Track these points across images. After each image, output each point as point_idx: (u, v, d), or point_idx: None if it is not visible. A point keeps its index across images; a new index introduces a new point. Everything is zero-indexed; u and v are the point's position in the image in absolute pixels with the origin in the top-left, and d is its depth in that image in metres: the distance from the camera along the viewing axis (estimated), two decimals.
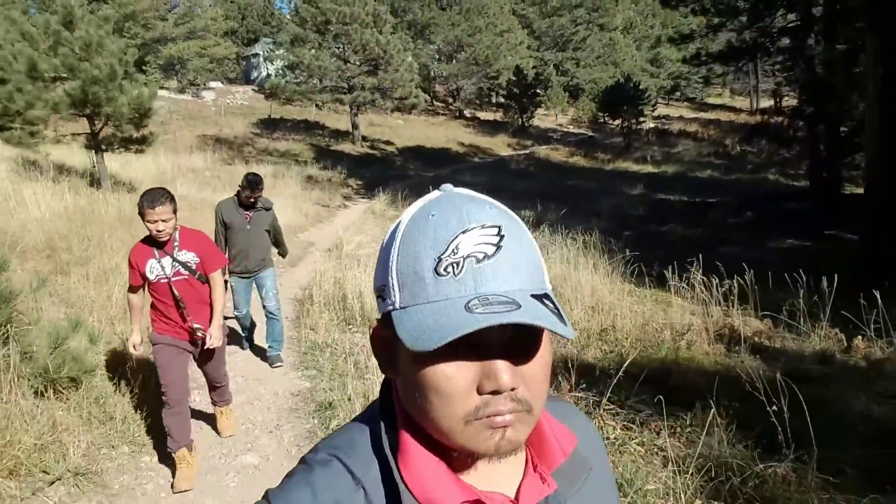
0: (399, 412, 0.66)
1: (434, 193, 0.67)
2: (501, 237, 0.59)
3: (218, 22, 41.72)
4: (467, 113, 45.03)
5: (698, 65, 16.15)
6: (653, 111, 47.36)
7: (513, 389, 0.58)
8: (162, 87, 36.01)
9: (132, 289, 3.55)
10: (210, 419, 4.28)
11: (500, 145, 35.02)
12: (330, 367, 5.21)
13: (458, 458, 0.64)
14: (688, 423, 3.54)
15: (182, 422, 3.45)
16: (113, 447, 3.66)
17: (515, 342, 0.59)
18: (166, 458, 3.61)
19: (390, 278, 0.62)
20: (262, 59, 46.28)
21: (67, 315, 4.67)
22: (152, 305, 3.56)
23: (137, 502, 3.28)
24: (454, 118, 43.13)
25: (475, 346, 0.58)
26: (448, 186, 0.68)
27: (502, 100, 43.41)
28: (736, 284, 6.18)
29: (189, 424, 3.57)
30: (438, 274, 0.58)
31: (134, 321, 3.62)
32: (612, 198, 20.37)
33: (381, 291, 0.64)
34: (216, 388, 3.94)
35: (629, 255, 8.01)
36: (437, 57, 44.51)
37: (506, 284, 0.58)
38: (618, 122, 34.95)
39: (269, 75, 38.64)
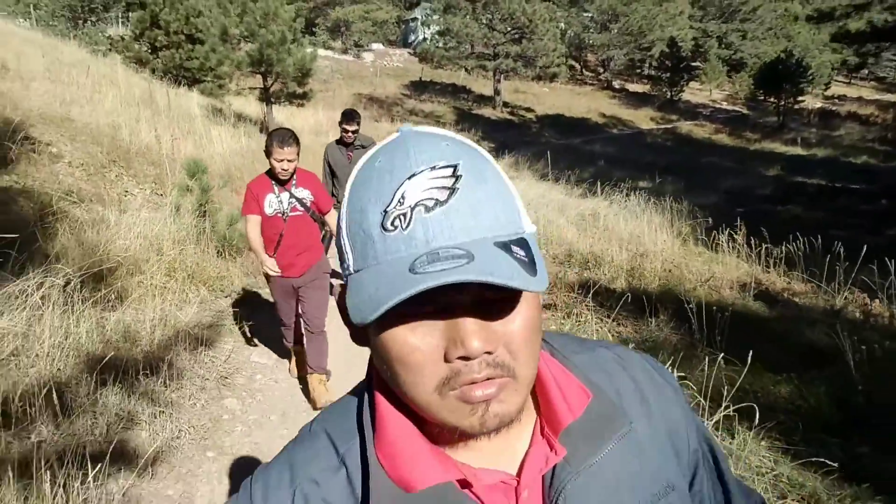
0: (376, 382, 0.60)
1: (389, 137, 0.59)
2: (457, 177, 0.52)
3: None
4: (616, 84, 44.49)
5: (847, 44, 15.44)
6: (824, 90, 43.85)
7: (488, 353, 0.51)
8: (327, 48, 39.67)
9: (249, 222, 3.61)
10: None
11: (643, 118, 34.64)
12: None
13: (447, 436, 0.57)
14: (650, 324, 4.70)
15: (315, 346, 3.68)
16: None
17: (487, 298, 0.51)
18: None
19: (342, 239, 0.56)
20: (419, 24, 48.60)
21: (238, 208, 6.62)
22: None
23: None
24: (602, 88, 42.90)
25: (441, 307, 0.51)
26: (406, 126, 0.59)
27: (652, 72, 42.36)
28: (793, 250, 6.96)
29: (324, 352, 3.74)
30: (385, 229, 0.51)
31: (262, 253, 3.59)
32: (742, 177, 20.09)
33: (342, 253, 0.57)
34: (311, 334, 3.73)
35: (710, 222, 8.78)
36: (590, 26, 44.19)
37: (462, 234, 0.51)
38: (774, 100, 33.07)
39: (424, 39, 40.85)
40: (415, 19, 50.55)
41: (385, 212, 0.52)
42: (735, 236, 7.64)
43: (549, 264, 6.88)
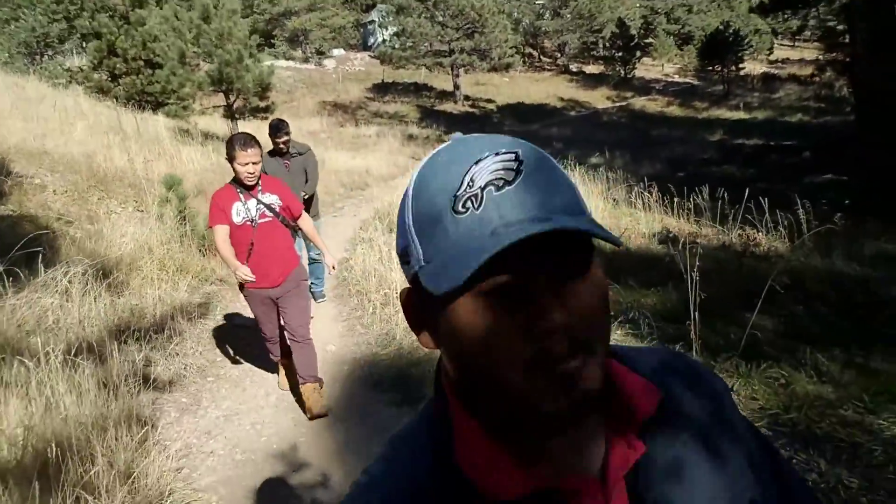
0: (451, 398, 0.59)
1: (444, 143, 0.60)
2: (520, 162, 0.53)
3: None
4: (573, 67, 45.68)
5: (766, 13, 16.60)
6: (768, 55, 45.47)
7: (567, 326, 0.50)
8: (288, 58, 40.33)
9: (217, 233, 3.49)
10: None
11: (599, 98, 35.85)
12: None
13: (526, 449, 0.56)
14: None
15: (303, 356, 3.58)
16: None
17: (560, 272, 0.51)
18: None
19: (409, 236, 0.56)
20: (377, 26, 49.35)
21: None
22: None
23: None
24: (560, 73, 44.07)
25: (515, 286, 0.50)
26: (457, 134, 0.61)
27: (605, 53, 43.63)
28: (702, 202, 8.08)
29: (312, 360, 3.64)
30: (457, 213, 0.52)
31: (233, 261, 3.45)
32: (687, 145, 21.30)
33: (405, 255, 0.57)
34: (298, 343, 3.63)
35: (643, 184, 9.88)
36: (543, 13, 45.31)
37: (536, 209, 0.51)
38: (718, 70, 34.49)
39: (383, 41, 41.69)
40: (372, 22, 51.23)
41: (455, 197, 0.52)
42: (651, 195, 8.76)
43: None
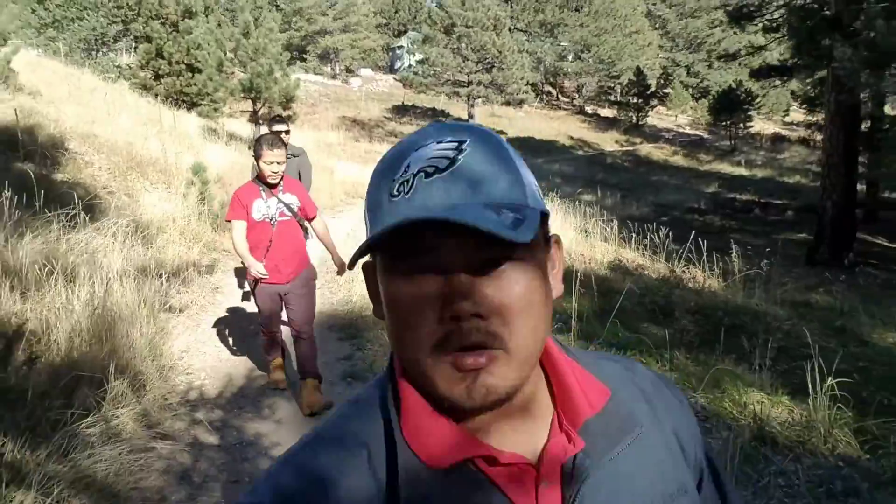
0: (398, 366, 0.62)
1: None
2: (460, 151, 0.55)
3: (369, 17, 47.24)
4: (588, 109, 47.31)
5: (759, 78, 17.95)
6: (783, 116, 46.91)
7: (479, 317, 0.52)
8: (317, 73, 42.32)
9: (234, 228, 3.62)
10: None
11: (608, 141, 37.28)
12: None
13: (465, 419, 0.58)
14: None
15: (305, 352, 3.72)
16: None
17: (476, 262, 0.53)
18: None
19: (364, 214, 0.60)
20: (405, 52, 51.43)
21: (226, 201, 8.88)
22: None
23: None
24: (575, 113, 45.68)
25: (437, 269, 0.53)
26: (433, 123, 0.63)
27: (620, 98, 45.22)
28: (658, 241, 9.35)
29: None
30: (392, 196, 0.55)
31: (249, 257, 3.59)
32: (680, 192, 22.56)
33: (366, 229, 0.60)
34: (301, 339, 3.76)
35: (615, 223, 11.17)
36: (565, 55, 47.11)
37: (458, 199, 0.53)
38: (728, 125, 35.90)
39: (410, 66, 43.59)
40: (401, 47, 53.40)
41: (393, 180, 0.55)
42: (610, 231, 10.07)
43: None
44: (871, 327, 6.84)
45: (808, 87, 16.14)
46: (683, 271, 8.70)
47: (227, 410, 3.64)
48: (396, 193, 0.55)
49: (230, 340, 4.83)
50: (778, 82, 19.11)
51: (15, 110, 7.57)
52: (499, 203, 0.54)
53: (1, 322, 3.05)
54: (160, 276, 5.09)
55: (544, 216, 0.58)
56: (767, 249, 11.66)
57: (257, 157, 3.57)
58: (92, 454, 2.52)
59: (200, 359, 4.30)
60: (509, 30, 30.84)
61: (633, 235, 10.03)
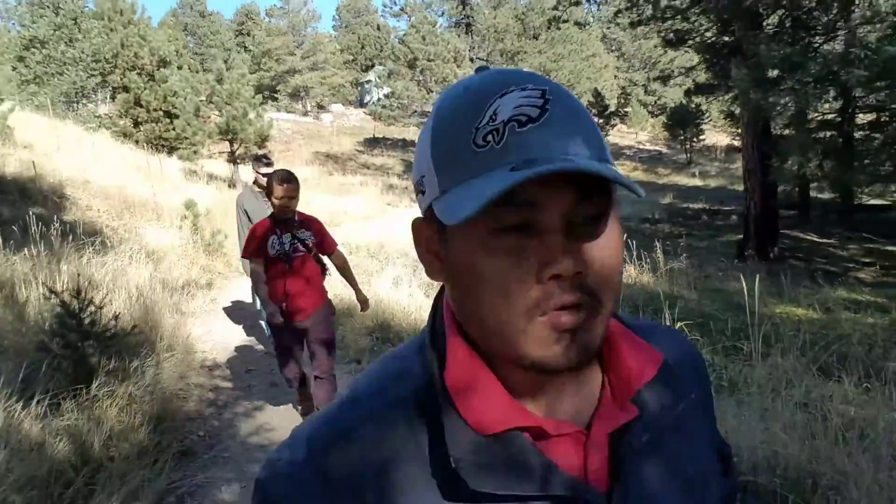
0: (449, 326, 0.59)
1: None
2: (547, 100, 0.51)
3: (336, 55, 48.92)
4: None
5: (690, 96, 19.60)
6: (734, 128, 49.39)
7: (578, 274, 0.50)
8: (289, 111, 43.71)
9: (252, 266, 3.65)
10: None
11: None
12: None
13: (518, 383, 0.56)
14: None
15: (324, 392, 3.66)
16: None
17: (576, 217, 0.50)
18: None
19: (427, 164, 0.54)
20: (373, 86, 53.14)
21: (215, 230, 9.96)
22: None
23: None
24: None
25: (530, 226, 0.50)
26: (486, 66, 0.60)
27: None
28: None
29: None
30: (477, 146, 0.50)
31: (267, 299, 3.57)
32: (637, 205, 24.00)
33: (420, 185, 0.56)
34: (321, 379, 3.71)
35: None
36: None
37: (557, 150, 0.49)
38: (682, 140, 37.83)
39: (378, 100, 45.21)
40: (369, 81, 55.12)
41: (476, 129, 0.51)
42: None
43: None
44: (765, 304, 8.12)
45: (728, 103, 17.72)
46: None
47: (234, 371, 4.88)
48: (484, 143, 0.50)
49: (231, 332, 6.01)
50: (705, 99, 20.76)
51: (33, 163, 8.67)
52: (595, 154, 0.51)
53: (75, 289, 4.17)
54: (171, 288, 6.22)
55: None
56: (705, 247, 13.13)
57: (269, 193, 3.55)
58: (153, 379, 3.69)
59: (210, 343, 5.45)
60: (470, 59, 32.51)
61: None
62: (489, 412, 0.54)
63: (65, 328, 3.34)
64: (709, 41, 13.42)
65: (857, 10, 9.37)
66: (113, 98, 20.51)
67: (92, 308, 3.50)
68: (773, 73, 9.72)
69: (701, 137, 37.26)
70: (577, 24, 29.78)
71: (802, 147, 10.13)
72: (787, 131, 12.04)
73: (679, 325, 4.50)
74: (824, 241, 16.49)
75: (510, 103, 0.51)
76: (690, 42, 19.02)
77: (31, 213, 6.87)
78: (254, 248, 3.57)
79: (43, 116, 18.01)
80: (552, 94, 0.52)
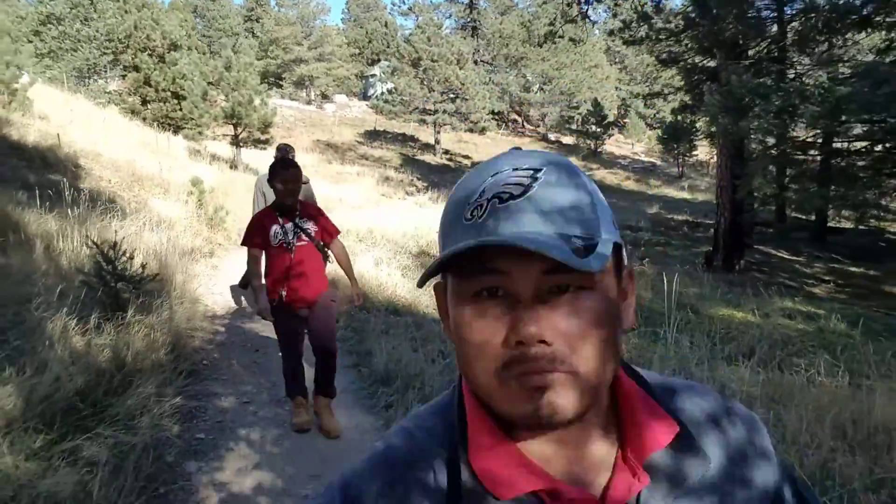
0: (465, 384, 0.62)
1: None
2: (535, 179, 0.55)
3: (343, 48, 49.65)
4: (551, 136, 50.11)
5: (677, 115, 20.47)
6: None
7: (544, 343, 0.53)
8: (293, 99, 44.45)
9: (250, 256, 3.62)
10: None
11: None
12: None
13: (529, 442, 0.59)
14: None
15: (325, 369, 3.68)
16: None
17: (545, 287, 0.54)
18: None
19: (438, 235, 0.61)
20: (378, 80, 53.85)
21: (217, 206, 10.73)
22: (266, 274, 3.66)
23: None
24: (539, 140, 48.35)
25: (506, 293, 0.54)
26: (515, 147, 0.64)
27: (580, 127, 48.16)
28: None
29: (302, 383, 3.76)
30: (465, 220, 0.56)
31: (264, 295, 3.59)
32: (624, 214, 24.88)
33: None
34: (322, 355, 3.71)
35: None
36: (529, 86, 50.03)
37: (530, 226, 0.53)
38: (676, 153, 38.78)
39: (382, 94, 45.94)
40: (374, 75, 55.77)
41: (467, 205, 0.56)
42: None
43: (419, 257, 11.10)
44: (714, 308, 8.96)
45: (707, 124, 18.59)
46: None
47: (232, 320, 5.75)
48: (470, 217, 0.55)
49: (228, 292, 6.85)
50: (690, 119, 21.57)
51: (57, 135, 9.43)
52: (570, 231, 0.54)
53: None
54: (180, 253, 7.05)
55: (617, 246, 0.59)
56: (679, 256, 13.97)
57: (272, 181, 3.54)
58: (168, 317, 4.53)
59: (211, 299, 6.34)
60: (474, 62, 33.34)
61: None
62: (505, 474, 0.57)
63: (101, 271, 4.14)
64: (689, 66, 14.26)
65: (818, 49, 10.24)
66: (123, 76, 21.23)
67: (124, 258, 4.31)
68: (745, 100, 10.55)
69: (694, 153, 38.21)
70: (571, 40, 30.54)
71: (763, 170, 10.97)
72: (755, 154, 12.89)
73: None
74: (793, 258, 17.36)
75: (500, 181, 0.56)
76: (682, 63, 19.96)
77: (62, 180, 7.67)
78: (254, 238, 3.57)
79: (56, 90, 18.73)
80: (547, 173, 0.56)
